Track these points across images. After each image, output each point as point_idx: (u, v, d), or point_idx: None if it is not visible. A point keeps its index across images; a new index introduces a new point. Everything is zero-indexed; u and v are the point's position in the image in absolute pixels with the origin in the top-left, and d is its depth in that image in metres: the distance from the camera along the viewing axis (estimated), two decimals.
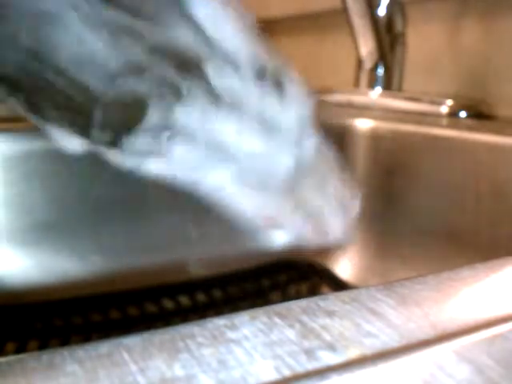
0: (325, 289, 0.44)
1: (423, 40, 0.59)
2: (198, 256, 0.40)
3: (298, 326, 0.12)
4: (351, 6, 0.52)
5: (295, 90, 0.24)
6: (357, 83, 0.58)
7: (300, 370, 0.10)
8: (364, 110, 0.53)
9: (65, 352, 0.11)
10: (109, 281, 0.39)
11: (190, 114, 0.21)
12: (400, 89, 0.56)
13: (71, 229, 0.38)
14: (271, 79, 0.24)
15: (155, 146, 0.22)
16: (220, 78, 0.22)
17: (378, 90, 0.56)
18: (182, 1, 0.22)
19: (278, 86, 0.24)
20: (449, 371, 0.10)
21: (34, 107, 0.22)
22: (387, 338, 0.11)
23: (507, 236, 0.35)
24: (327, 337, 0.11)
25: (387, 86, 0.55)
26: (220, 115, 0.22)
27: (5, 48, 0.20)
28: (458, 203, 0.38)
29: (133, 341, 0.11)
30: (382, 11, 0.52)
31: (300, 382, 0.10)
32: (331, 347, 0.11)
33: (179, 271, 0.40)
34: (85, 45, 0.20)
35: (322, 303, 0.13)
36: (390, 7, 0.52)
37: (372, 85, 0.56)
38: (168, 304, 0.39)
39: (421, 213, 0.41)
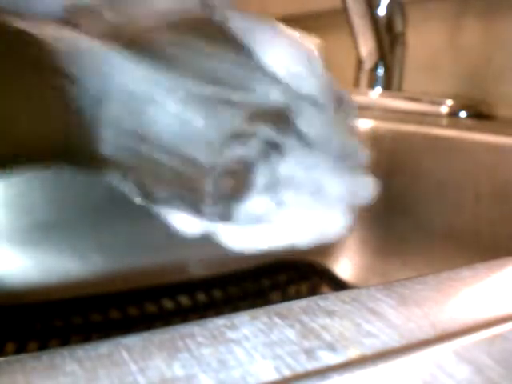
0: (325, 289, 0.44)
1: (423, 40, 0.59)
2: (198, 256, 0.40)
3: (298, 325, 0.12)
4: (351, 6, 0.52)
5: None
6: (357, 83, 0.58)
7: (300, 369, 0.10)
8: (364, 110, 0.53)
9: (65, 352, 0.11)
10: (109, 281, 0.39)
11: (293, 166, 0.22)
12: (400, 89, 0.56)
13: (71, 229, 0.38)
14: (343, 108, 0.25)
15: (268, 207, 0.22)
16: (309, 121, 0.22)
17: (378, 90, 0.56)
18: (258, 63, 0.23)
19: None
20: (449, 371, 0.10)
21: (145, 189, 0.22)
22: (387, 338, 0.11)
23: (507, 236, 0.35)
24: (327, 337, 0.11)
25: (387, 86, 0.55)
26: (315, 159, 0.22)
27: (107, 130, 0.21)
28: (457, 203, 0.38)
29: (133, 341, 0.11)
30: (381, 11, 0.52)
31: (300, 382, 0.10)
32: (331, 347, 0.11)
33: (179, 271, 0.40)
34: (187, 123, 0.21)
35: (322, 303, 0.13)
36: (389, 7, 0.52)
37: (372, 85, 0.56)
38: (168, 304, 0.39)
39: (421, 213, 0.41)
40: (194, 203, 0.22)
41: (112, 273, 0.39)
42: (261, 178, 0.22)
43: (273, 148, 0.22)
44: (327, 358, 0.11)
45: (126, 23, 0.22)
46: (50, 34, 0.20)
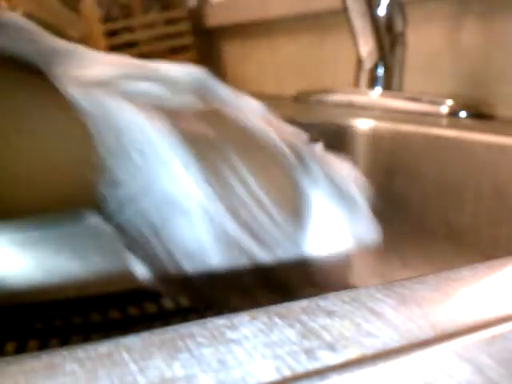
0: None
1: (423, 40, 0.59)
2: None
3: (298, 325, 0.12)
4: (351, 6, 0.52)
5: None
6: (357, 83, 0.58)
7: (300, 369, 0.10)
8: (364, 110, 0.53)
9: (65, 352, 0.11)
10: (109, 281, 0.39)
11: None
12: (400, 89, 0.56)
13: (72, 229, 0.38)
14: None
15: None
16: None
17: (378, 90, 0.56)
18: (301, 217, 0.23)
19: None
20: (449, 371, 0.10)
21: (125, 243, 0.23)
22: (387, 338, 0.11)
23: (507, 236, 0.35)
24: (327, 337, 0.11)
25: (387, 86, 0.55)
26: None
27: (128, 211, 0.21)
28: (457, 203, 0.38)
29: (133, 341, 0.11)
30: (381, 11, 0.52)
31: (300, 382, 0.10)
32: (331, 347, 0.11)
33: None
34: (201, 245, 0.21)
35: (322, 303, 0.13)
36: (389, 7, 0.52)
37: (372, 85, 0.56)
38: (168, 304, 0.39)
39: (421, 213, 0.41)
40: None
41: (112, 273, 0.39)
42: None
43: None
44: (327, 358, 0.11)
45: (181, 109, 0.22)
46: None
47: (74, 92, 0.19)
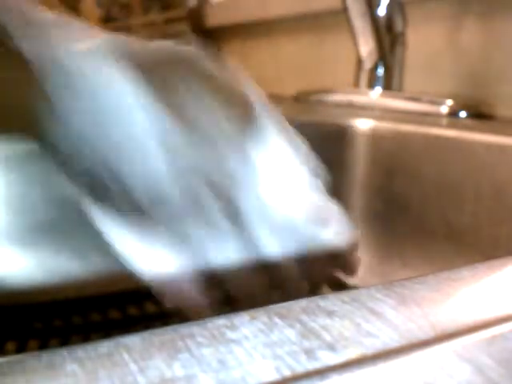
0: (325, 289, 0.44)
1: (423, 40, 0.59)
2: None
3: (298, 325, 0.12)
4: (351, 6, 0.52)
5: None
6: (357, 83, 0.58)
7: (300, 369, 0.10)
8: (364, 110, 0.53)
9: (65, 352, 0.11)
10: (109, 281, 0.39)
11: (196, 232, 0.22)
12: (400, 89, 0.56)
13: (71, 229, 0.38)
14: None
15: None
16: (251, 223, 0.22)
17: (378, 90, 0.56)
18: (249, 139, 0.23)
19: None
20: (449, 371, 0.10)
21: (68, 172, 0.22)
22: (387, 338, 0.11)
23: (507, 236, 0.35)
24: (327, 337, 0.11)
25: (387, 86, 0.55)
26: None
27: (66, 125, 0.20)
28: (457, 203, 0.38)
29: (133, 341, 0.11)
30: (381, 11, 0.52)
31: (300, 382, 0.10)
32: (331, 347, 0.11)
33: None
34: (146, 158, 0.21)
35: (322, 303, 0.13)
36: (389, 7, 0.52)
37: (372, 85, 0.56)
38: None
39: (421, 213, 0.41)
40: (102, 202, 0.22)
41: (112, 273, 0.39)
42: (188, 251, 0.22)
43: (210, 230, 0.22)
44: (327, 358, 0.11)
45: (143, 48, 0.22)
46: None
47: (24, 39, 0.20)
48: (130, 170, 0.20)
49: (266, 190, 0.22)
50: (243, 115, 0.23)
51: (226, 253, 0.22)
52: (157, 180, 0.21)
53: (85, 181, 0.22)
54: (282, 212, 0.23)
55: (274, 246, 0.23)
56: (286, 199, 0.23)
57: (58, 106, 0.20)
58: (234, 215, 0.22)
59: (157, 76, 0.21)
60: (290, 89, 0.69)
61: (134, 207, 0.21)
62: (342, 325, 0.12)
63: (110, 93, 0.20)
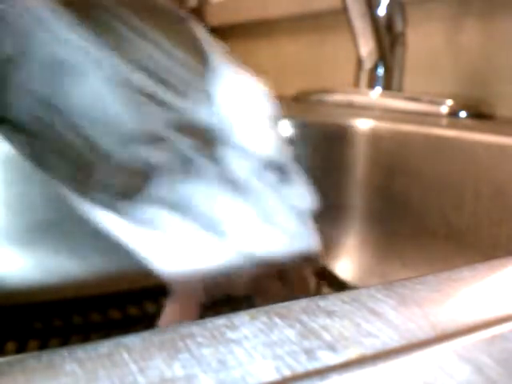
0: (325, 289, 0.44)
1: (423, 40, 0.59)
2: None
3: (298, 325, 0.12)
4: (351, 6, 0.52)
5: (299, 185, 0.25)
6: (357, 83, 0.58)
7: (300, 369, 0.10)
8: (364, 110, 0.53)
9: (65, 352, 0.11)
10: (109, 281, 0.39)
11: (194, 191, 0.21)
12: (400, 89, 0.56)
13: (71, 229, 0.38)
14: (278, 171, 0.24)
15: (151, 216, 0.22)
16: (231, 163, 0.22)
17: (378, 90, 0.56)
18: (208, 80, 0.22)
19: (284, 178, 0.24)
20: (449, 371, 0.10)
21: (37, 154, 0.21)
22: (387, 338, 0.11)
23: (507, 236, 0.35)
24: (327, 337, 0.11)
25: (387, 86, 0.55)
26: (222, 196, 0.22)
27: (17, 92, 0.19)
28: (457, 203, 0.38)
29: (133, 341, 0.11)
30: (381, 11, 0.52)
31: (300, 382, 0.10)
32: (331, 347, 0.11)
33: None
34: (102, 102, 0.20)
35: (322, 303, 0.13)
36: (389, 7, 0.52)
37: (372, 85, 0.56)
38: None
39: (421, 213, 0.41)
40: (82, 183, 0.21)
41: (112, 273, 0.39)
42: (157, 187, 0.21)
43: (182, 165, 0.21)
44: (327, 358, 0.11)
45: None
46: None
47: None
48: (66, 95, 0.19)
49: (239, 132, 0.22)
50: (197, 55, 0.22)
51: (215, 199, 0.22)
52: (99, 100, 0.20)
53: (56, 160, 0.21)
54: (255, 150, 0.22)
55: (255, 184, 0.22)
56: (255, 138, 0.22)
57: (15, 73, 0.19)
58: (214, 160, 0.22)
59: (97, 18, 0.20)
60: (290, 89, 0.69)
61: (121, 183, 0.21)
62: (341, 325, 0.12)
63: (57, 48, 0.19)
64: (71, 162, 0.21)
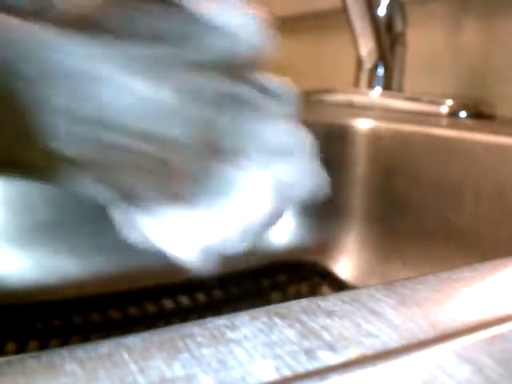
0: (325, 289, 0.44)
1: (423, 40, 0.59)
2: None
3: (298, 325, 0.12)
4: (351, 6, 0.52)
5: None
6: (357, 83, 0.58)
7: (300, 369, 0.10)
8: (364, 110, 0.53)
9: (65, 352, 0.11)
10: (109, 281, 0.39)
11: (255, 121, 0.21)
12: (400, 89, 0.56)
13: (71, 229, 0.38)
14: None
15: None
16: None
17: (378, 90, 0.56)
18: (198, 17, 0.21)
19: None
20: (449, 371, 0.10)
21: (124, 188, 0.19)
22: (387, 338, 0.11)
23: (507, 236, 0.35)
24: (327, 337, 0.11)
25: (387, 86, 0.55)
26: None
27: (56, 120, 0.17)
28: (457, 203, 0.38)
29: (133, 341, 0.11)
30: (381, 11, 0.52)
31: (300, 382, 0.10)
32: (331, 347, 0.11)
33: (179, 271, 0.40)
34: (142, 95, 0.17)
35: (322, 303, 0.13)
36: (389, 7, 0.52)
37: (372, 85, 0.56)
38: (168, 304, 0.39)
39: (421, 213, 0.41)
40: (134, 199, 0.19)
41: (112, 273, 0.39)
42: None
43: (232, 101, 0.20)
44: (327, 358, 0.11)
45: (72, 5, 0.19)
46: None
47: None
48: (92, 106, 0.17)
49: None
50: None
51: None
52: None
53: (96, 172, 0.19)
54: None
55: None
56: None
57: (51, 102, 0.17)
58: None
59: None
60: None
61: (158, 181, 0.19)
62: (341, 325, 0.12)
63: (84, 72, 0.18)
64: (159, 175, 0.19)
